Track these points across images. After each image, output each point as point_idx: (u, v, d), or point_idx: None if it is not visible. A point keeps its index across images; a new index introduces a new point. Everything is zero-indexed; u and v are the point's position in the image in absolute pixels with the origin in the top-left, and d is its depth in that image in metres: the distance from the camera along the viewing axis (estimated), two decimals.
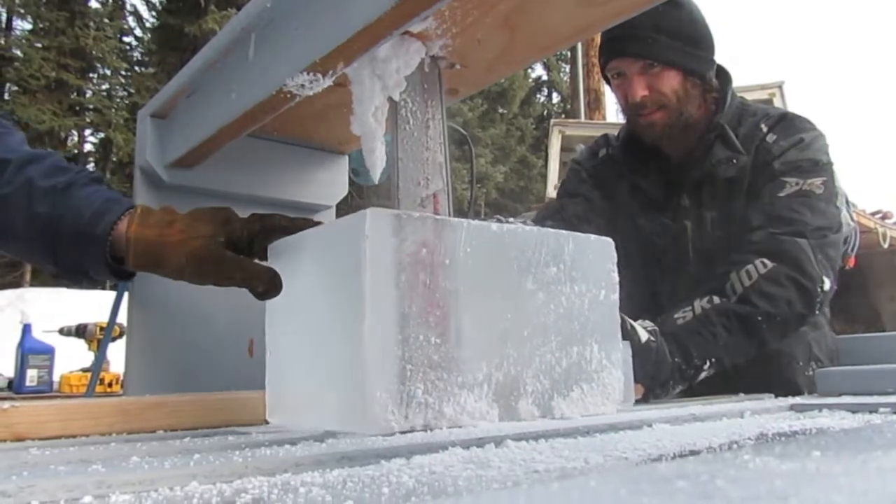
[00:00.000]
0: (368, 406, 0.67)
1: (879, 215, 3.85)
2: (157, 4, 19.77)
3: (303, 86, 0.85)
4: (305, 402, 0.78)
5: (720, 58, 1.49)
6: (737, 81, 1.54)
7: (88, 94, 19.38)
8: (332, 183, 1.32)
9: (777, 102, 4.40)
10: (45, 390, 3.27)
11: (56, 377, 3.42)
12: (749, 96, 1.90)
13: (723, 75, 1.50)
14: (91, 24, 18.75)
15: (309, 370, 0.78)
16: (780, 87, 4.64)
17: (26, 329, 3.35)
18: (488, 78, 1.04)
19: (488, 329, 0.76)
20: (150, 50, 20.07)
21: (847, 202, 1.89)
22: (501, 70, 1.01)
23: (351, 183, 1.37)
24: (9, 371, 3.44)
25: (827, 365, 1.47)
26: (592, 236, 0.90)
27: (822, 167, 1.39)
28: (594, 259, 0.88)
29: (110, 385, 3.42)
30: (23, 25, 18.72)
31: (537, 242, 0.82)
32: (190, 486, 0.45)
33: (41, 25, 18.16)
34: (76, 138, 19.89)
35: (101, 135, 18.98)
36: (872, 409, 0.84)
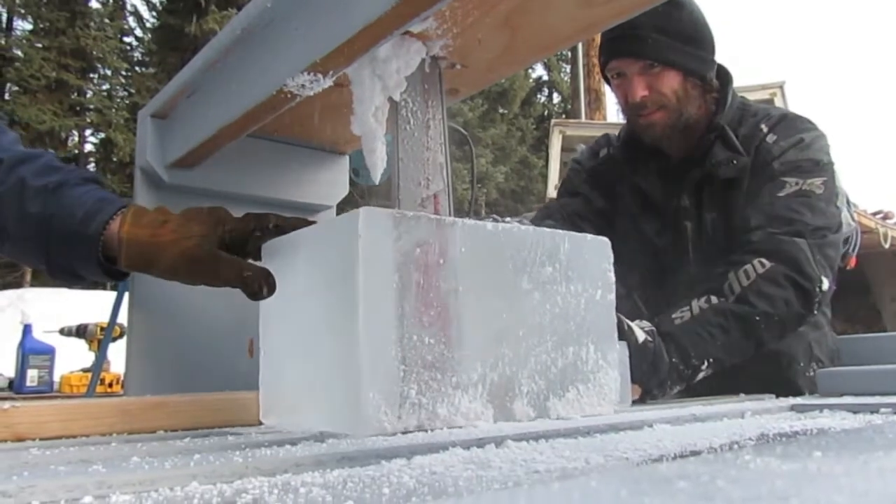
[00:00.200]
0: (361, 407, 0.67)
1: (880, 215, 3.86)
2: (158, 4, 19.77)
3: (303, 86, 0.85)
4: (299, 403, 0.78)
5: (721, 58, 1.49)
6: (738, 81, 1.54)
7: (89, 94, 19.39)
8: (332, 183, 1.32)
9: (778, 102, 4.40)
10: (46, 390, 3.27)
11: (56, 377, 3.42)
12: (750, 96, 1.89)
13: (723, 75, 1.50)
14: (91, 24, 18.76)
15: (302, 370, 0.78)
16: (781, 87, 4.64)
17: (27, 329, 3.35)
18: (489, 78, 1.04)
19: (483, 329, 0.76)
20: (151, 50, 20.07)
21: (848, 202, 1.89)
22: (502, 70, 1.01)
23: (352, 183, 1.37)
24: (9, 371, 3.44)
25: (828, 365, 1.47)
26: (589, 236, 0.90)
27: (822, 167, 1.39)
28: (590, 259, 0.88)
29: (111, 385, 3.42)
30: (23, 25, 18.74)
31: (533, 242, 0.82)
32: (190, 486, 0.45)
33: (42, 25, 18.17)
34: (77, 138, 19.90)
35: (102, 135, 18.98)
36: (873, 409, 0.84)
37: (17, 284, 14.18)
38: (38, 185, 0.92)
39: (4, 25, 18.72)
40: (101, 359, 3.18)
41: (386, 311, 0.69)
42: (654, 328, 1.18)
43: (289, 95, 0.88)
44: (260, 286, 0.81)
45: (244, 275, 0.82)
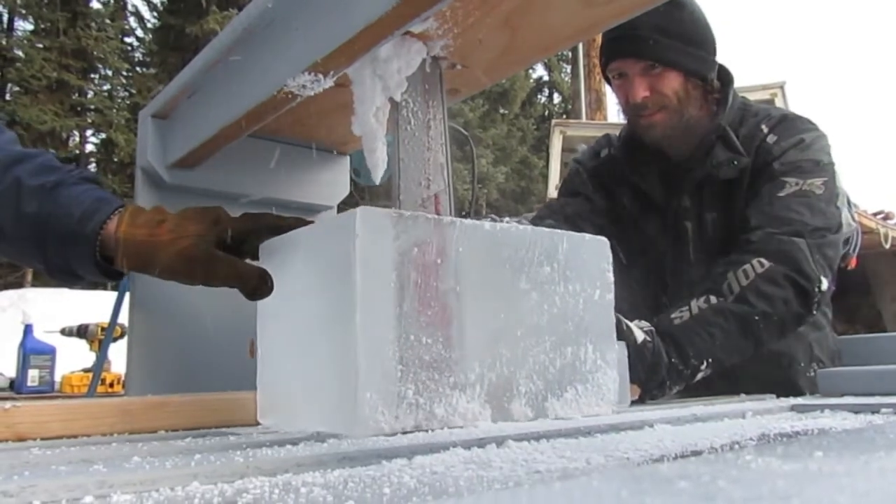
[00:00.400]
0: (358, 407, 0.66)
1: (881, 216, 3.85)
2: (159, 5, 19.78)
3: (304, 86, 0.85)
4: (296, 403, 0.78)
5: (722, 58, 1.49)
6: (739, 81, 1.54)
7: (90, 94, 19.39)
8: (333, 183, 1.32)
9: (779, 102, 4.40)
10: (47, 390, 3.27)
11: (57, 377, 3.42)
12: (751, 96, 1.89)
13: (724, 76, 1.50)
14: (92, 24, 18.76)
15: (300, 371, 0.78)
16: (781, 87, 4.63)
17: (28, 329, 3.35)
18: (490, 78, 1.04)
19: (481, 329, 0.76)
20: (152, 50, 20.08)
21: (849, 203, 1.89)
22: (503, 70, 1.01)
23: (353, 183, 1.37)
24: (10, 371, 3.44)
25: (828, 365, 1.46)
26: (587, 235, 0.89)
27: (822, 167, 1.39)
28: (589, 258, 0.87)
29: (112, 385, 3.43)
30: (24, 26, 18.74)
31: (531, 242, 0.81)
32: (191, 486, 0.45)
33: (43, 26, 18.17)
34: (77, 139, 19.90)
35: (103, 135, 18.98)
36: (874, 409, 0.84)
37: (19, 284, 14.18)
38: (34, 184, 0.92)
39: (5, 26, 18.73)
40: (101, 359, 3.18)
41: (383, 311, 0.69)
42: (652, 328, 1.17)
43: (289, 95, 0.88)
44: (257, 286, 0.81)
45: (241, 274, 0.81)
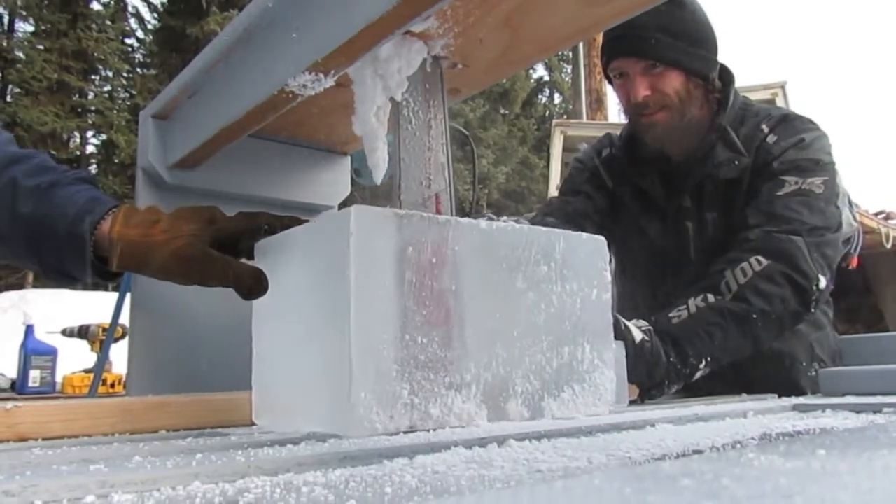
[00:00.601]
0: (353, 407, 0.66)
1: (882, 215, 3.85)
2: (159, 6, 19.80)
3: (304, 86, 0.85)
4: (291, 404, 0.77)
5: (723, 57, 1.49)
6: (740, 81, 1.54)
7: (90, 95, 19.41)
8: (334, 183, 1.32)
9: (780, 102, 4.40)
10: (48, 391, 3.27)
11: (59, 378, 3.43)
12: (752, 96, 1.90)
13: (725, 75, 1.50)
14: (93, 25, 18.78)
15: (294, 370, 0.77)
16: (782, 86, 4.63)
17: (29, 330, 3.35)
18: (490, 78, 1.04)
19: (477, 329, 0.75)
20: (152, 51, 20.09)
21: (850, 202, 1.89)
22: (503, 70, 1.01)
23: (353, 183, 1.37)
24: (12, 372, 3.45)
25: (829, 365, 1.46)
26: (584, 234, 0.89)
27: (822, 167, 1.38)
28: (586, 258, 0.87)
29: (113, 386, 3.43)
30: (25, 27, 18.76)
31: (527, 241, 0.81)
32: (192, 485, 0.45)
33: (43, 27, 18.19)
34: (78, 140, 19.92)
35: (104, 136, 18.99)
36: (876, 409, 0.84)
37: (20, 285, 14.19)
38: (29, 185, 0.92)
39: (6, 27, 18.75)
40: (103, 359, 3.18)
41: (378, 311, 0.68)
42: (651, 327, 1.17)
43: (290, 95, 0.88)
44: (252, 286, 0.81)
45: (236, 274, 0.81)
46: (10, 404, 0.74)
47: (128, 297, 1.22)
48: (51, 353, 3.34)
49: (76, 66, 18.04)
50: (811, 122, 1.48)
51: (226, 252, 0.84)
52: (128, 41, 20.48)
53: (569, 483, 0.33)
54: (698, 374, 1.21)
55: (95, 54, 18.51)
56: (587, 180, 1.64)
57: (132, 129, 16.87)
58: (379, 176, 0.93)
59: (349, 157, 1.35)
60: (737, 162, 1.43)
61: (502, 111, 24.99)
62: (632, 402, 1.05)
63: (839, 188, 1.42)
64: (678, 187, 1.51)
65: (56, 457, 0.59)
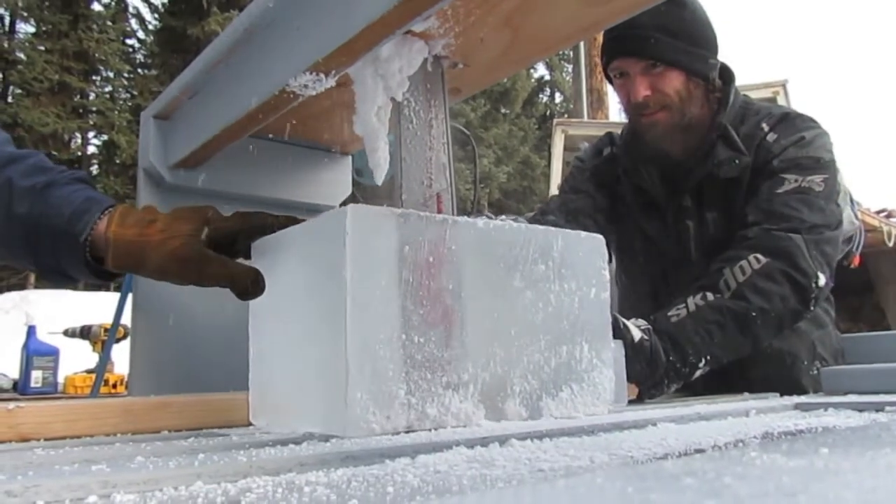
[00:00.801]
0: (349, 407, 0.65)
1: (884, 214, 3.84)
2: (160, 7, 19.81)
3: (305, 86, 0.85)
4: (288, 404, 0.77)
5: (723, 56, 1.49)
6: (741, 80, 1.54)
7: (91, 96, 19.43)
8: (335, 183, 1.32)
9: (781, 100, 4.39)
10: (50, 391, 3.28)
11: (61, 378, 3.43)
12: (753, 94, 1.89)
13: (726, 74, 1.49)
14: (94, 26, 18.80)
15: (291, 371, 0.77)
16: (783, 85, 4.62)
17: (31, 331, 3.36)
18: (491, 77, 1.04)
19: (474, 328, 0.75)
20: (153, 52, 20.10)
21: (852, 201, 1.89)
22: (504, 69, 1.01)
23: (355, 183, 1.37)
24: (14, 372, 3.45)
25: (831, 364, 1.46)
26: (583, 233, 0.88)
27: (823, 165, 1.38)
28: (584, 256, 0.86)
29: (115, 386, 3.43)
30: (26, 28, 18.78)
31: (525, 239, 0.80)
32: (195, 485, 0.45)
33: (44, 28, 18.21)
34: (79, 141, 19.94)
35: (105, 137, 19.02)
36: (878, 407, 0.84)
37: (22, 286, 14.21)
38: (25, 185, 0.92)
39: (7, 28, 18.77)
40: (104, 360, 3.18)
41: (374, 310, 0.68)
42: (650, 327, 1.17)
43: (291, 95, 0.88)
44: (249, 286, 0.80)
45: (233, 274, 0.81)
46: (12, 405, 0.74)
47: (129, 297, 1.22)
48: (53, 353, 3.35)
49: (77, 67, 18.05)
50: (812, 120, 1.47)
51: (222, 252, 0.84)
52: (129, 42, 20.51)
53: (571, 482, 0.33)
54: (698, 373, 1.21)
55: (96, 55, 18.53)
56: (588, 179, 1.64)
57: (133, 129, 16.88)
58: (380, 176, 0.93)
59: (350, 157, 1.35)
60: (737, 161, 1.43)
61: (503, 110, 24.99)
62: (631, 402, 1.04)
63: (840, 186, 1.41)
64: (679, 187, 1.51)
65: (58, 457, 0.59)
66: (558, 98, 28.59)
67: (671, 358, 1.16)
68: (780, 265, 1.26)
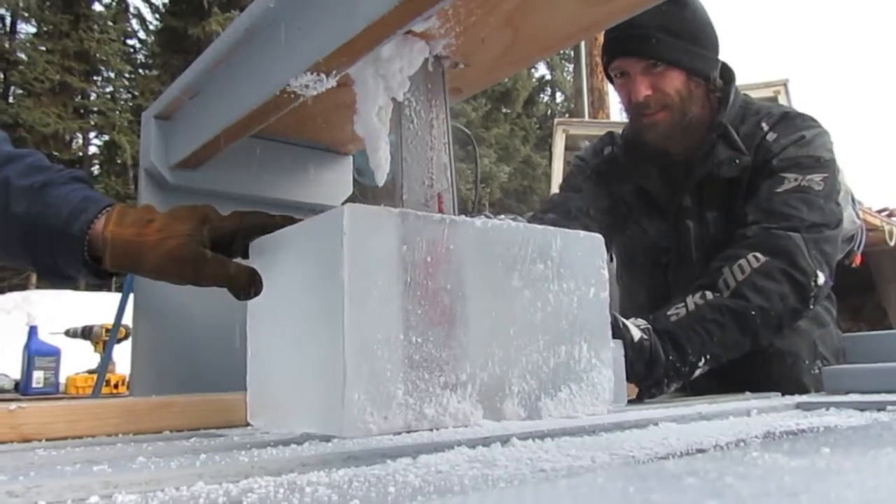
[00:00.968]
0: (346, 408, 0.65)
1: (886, 213, 3.84)
2: (161, 7, 19.82)
3: (306, 86, 0.85)
4: (285, 404, 0.77)
5: (725, 55, 1.49)
6: (742, 79, 1.54)
7: (93, 96, 19.45)
8: (336, 183, 1.32)
9: (782, 100, 4.39)
10: (52, 392, 3.28)
11: (62, 379, 3.43)
12: (754, 94, 1.89)
13: (726, 74, 1.49)
14: (95, 26, 18.82)
15: (289, 371, 0.77)
16: (784, 84, 4.62)
17: (32, 331, 3.35)
18: (492, 77, 1.04)
19: (473, 328, 0.74)
20: (154, 52, 20.12)
21: (853, 200, 1.88)
22: (505, 69, 1.00)
23: (356, 183, 1.37)
24: (15, 373, 3.45)
25: (833, 363, 1.46)
26: (581, 232, 0.88)
27: (823, 164, 1.38)
28: (583, 256, 0.86)
29: (116, 386, 3.43)
30: (27, 29, 18.80)
31: (524, 239, 0.80)
32: (196, 485, 0.45)
33: (45, 28, 18.23)
34: (81, 141, 19.95)
35: (106, 137, 19.04)
36: (880, 406, 0.84)
37: (23, 286, 14.23)
38: (23, 184, 0.91)
39: (8, 29, 18.79)
40: (106, 360, 3.18)
41: (372, 310, 0.68)
42: (649, 326, 1.17)
43: (292, 96, 0.88)
44: (246, 286, 0.80)
45: (230, 274, 0.80)
46: (13, 405, 0.74)
47: (131, 297, 1.22)
48: (54, 353, 3.35)
49: (78, 68, 18.07)
50: (812, 119, 1.47)
51: (220, 252, 0.84)
52: (130, 42, 20.52)
53: (572, 482, 0.33)
54: (697, 372, 1.21)
55: (97, 55, 18.54)
56: (588, 178, 1.63)
57: (134, 129, 16.89)
58: (381, 176, 0.93)
59: (351, 158, 1.35)
60: (737, 161, 1.42)
61: (504, 110, 24.99)
62: (631, 402, 1.04)
63: (840, 185, 1.41)
64: (679, 186, 1.51)
65: (60, 457, 0.59)
66: (559, 98, 28.59)
67: (671, 357, 1.15)
68: (779, 264, 1.25)
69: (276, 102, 0.91)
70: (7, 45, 18.00)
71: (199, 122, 1.08)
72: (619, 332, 1.07)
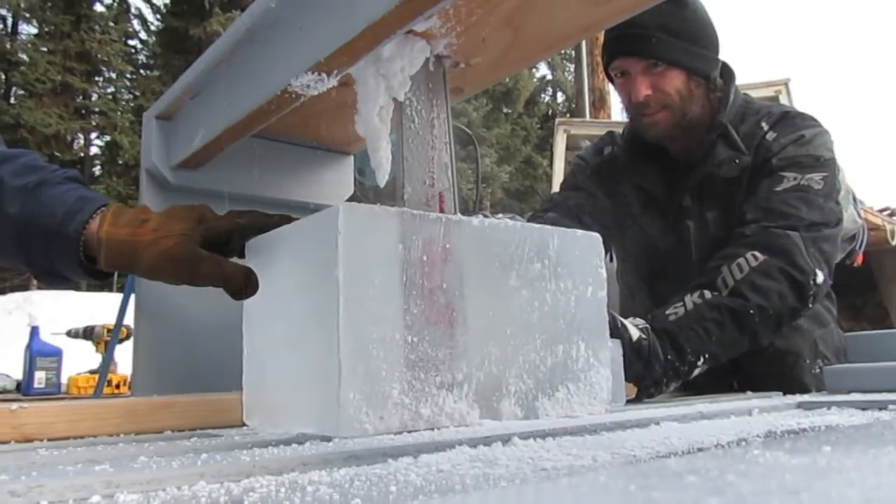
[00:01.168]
0: (341, 408, 0.65)
1: (887, 212, 3.83)
2: (162, 7, 19.84)
3: (307, 86, 0.85)
4: (281, 404, 0.77)
5: (726, 55, 1.49)
6: (743, 78, 1.53)
7: (94, 97, 19.47)
8: (337, 183, 1.32)
9: (783, 99, 4.38)
10: (53, 392, 3.28)
11: (64, 379, 3.43)
12: (755, 93, 1.89)
13: (726, 73, 1.49)
14: (96, 27, 18.84)
15: (284, 371, 0.76)
16: (786, 84, 4.61)
17: (34, 331, 3.36)
18: (493, 77, 1.04)
19: (469, 327, 0.74)
20: (155, 53, 20.14)
21: (855, 199, 1.88)
22: (506, 69, 1.01)
23: (357, 183, 1.37)
24: (17, 373, 3.45)
25: (834, 362, 1.46)
26: (579, 231, 0.88)
27: (823, 163, 1.38)
28: (580, 255, 0.86)
29: (118, 386, 3.43)
30: (28, 29, 18.83)
31: (521, 238, 0.80)
32: (198, 485, 0.45)
33: (46, 29, 18.25)
34: (82, 141, 19.98)
35: (107, 138, 19.06)
36: (881, 405, 0.84)
37: (24, 287, 14.24)
38: (17, 185, 0.91)
39: (9, 29, 18.81)
40: (107, 360, 3.18)
41: (367, 310, 0.68)
42: (648, 326, 1.17)
43: (293, 95, 0.88)
44: (242, 285, 0.80)
45: (226, 274, 0.80)
46: (15, 405, 0.74)
47: (132, 297, 1.22)
48: (56, 354, 3.35)
49: (80, 68, 18.09)
50: (812, 118, 1.47)
51: (216, 251, 0.83)
52: (131, 42, 20.56)
53: (574, 481, 0.33)
54: (696, 371, 1.20)
55: (99, 56, 18.57)
56: (589, 178, 1.63)
57: (136, 130, 16.91)
58: (382, 176, 0.93)
59: (352, 157, 1.35)
60: (737, 161, 1.42)
61: (505, 110, 24.99)
62: (630, 401, 1.04)
63: (840, 184, 1.41)
64: (679, 186, 1.51)
65: (61, 457, 0.59)
66: (560, 97, 28.59)
67: (669, 357, 1.15)
68: (777, 262, 1.25)
69: (277, 102, 0.91)
70: (8, 46, 18.02)
71: (200, 122, 1.08)
72: (617, 331, 1.07)
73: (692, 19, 1.42)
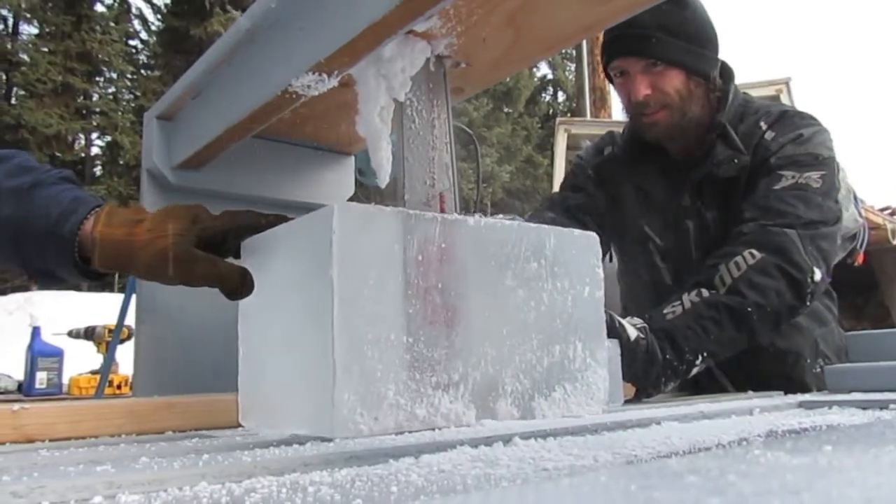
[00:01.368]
0: (336, 408, 0.64)
1: (888, 211, 3.83)
2: (163, 7, 19.85)
3: (308, 86, 0.85)
4: (276, 405, 0.76)
5: (726, 54, 1.48)
6: (744, 78, 1.53)
7: (95, 97, 19.49)
8: (338, 183, 1.32)
9: (784, 99, 4.38)
10: (55, 392, 3.28)
11: (65, 379, 3.43)
12: (756, 93, 1.88)
13: (725, 73, 1.49)
14: (97, 27, 18.86)
15: (279, 371, 0.76)
16: (787, 83, 4.61)
17: (35, 332, 3.36)
18: (494, 77, 1.04)
19: (465, 327, 0.74)
20: (156, 53, 20.15)
21: (856, 198, 1.88)
22: (507, 69, 1.01)
23: (358, 183, 1.37)
24: (18, 374, 3.46)
25: (835, 362, 1.46)
26: (576, 231, 0.87)
27: (821, 162, 1.37)
28: (578, 254, 0.85)
29: (119, 387, 3.43)
30: (29, 30, 18.84)
31: (517, 237, 0.79)
32: (199, 485, 0.45)
33: (47, 29, 18.27)
34: (83, 142, 19.99)
35: (108, 138, 19.08)
36: (883, 405, 0.84)
37: (25, 287, 14.24)
38: (10, 186, 0.90)
39: (10, 30, 18.82)
40: (109, 361, 3.18)
41: (362, 310, 0.67)
42: (645, 325, 1.16)
43: (294, 96, 0.88)
44: (237, 285, 0.80)
45: (221, 274, 0.80)
46: (16, 406, 0.74)
47: (133, 298, 1.22)
48: (57, 354, 3.35)
49: (80, 68, 18.11)
50: (811, 117, 1.47)
51: (212, 251, 0.83)
52: (132, 43, 20.57)
53: (575, 481, 0.33)
54: (695, 370, 1.20)
55: (100, 56, 18.59)
56: (588, 177, 1.63)
57: (137, 130, 16.92)
58: (383, 176, 0.93)
59: (353, 158, 1.35)
60: (736, 160, 1.42)
61: (506, 110, 24.99)
62: (628, 401, 1.04)
63: (840, 183, 1.41)
64: (679, 186, 1.50)
65: (63, 458, 0.59)
66: (561, 97, 28.59)
67: (668, 356, 1.15)
68: (775, 260, 1.25)
69: (277, 103, 0.91)
70: (9, 47, 18.03)
71: (201, 122, 1.08)
72: (614, 331, 1.07)
73: (692, 19, 1.42)
